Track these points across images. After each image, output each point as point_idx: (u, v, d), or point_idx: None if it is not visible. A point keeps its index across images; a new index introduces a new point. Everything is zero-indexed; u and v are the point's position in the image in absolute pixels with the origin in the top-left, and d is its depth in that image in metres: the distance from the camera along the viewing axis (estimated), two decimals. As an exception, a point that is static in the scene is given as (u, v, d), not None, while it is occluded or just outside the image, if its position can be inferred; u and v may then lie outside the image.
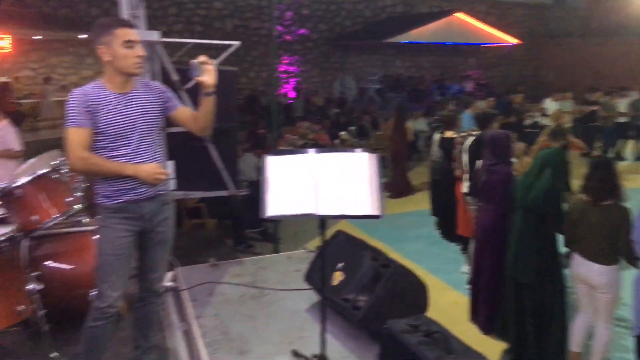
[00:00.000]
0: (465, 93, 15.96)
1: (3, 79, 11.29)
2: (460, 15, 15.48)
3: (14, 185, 2.79)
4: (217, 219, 6.25)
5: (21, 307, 2.59)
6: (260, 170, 7.26)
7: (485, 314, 3.76)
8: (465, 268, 5.27)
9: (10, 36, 11.38)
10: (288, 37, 14.85)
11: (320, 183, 2.36)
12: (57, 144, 4.77)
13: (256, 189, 5.78)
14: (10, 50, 11.78)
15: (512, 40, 16.63)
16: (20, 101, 11.28)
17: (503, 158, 3.80)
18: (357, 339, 2.81)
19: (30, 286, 2.68)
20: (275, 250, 5.26)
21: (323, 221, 2.47)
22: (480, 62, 18.52)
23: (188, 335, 3.01)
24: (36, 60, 13.52)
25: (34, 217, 2.81)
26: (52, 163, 2.99)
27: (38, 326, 2.90)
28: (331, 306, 2.90)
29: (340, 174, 2.38)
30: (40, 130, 10.41)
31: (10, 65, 12.73)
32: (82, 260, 3.07)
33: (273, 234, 5.62)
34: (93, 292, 2.90)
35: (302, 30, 15.48)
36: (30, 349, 2.93)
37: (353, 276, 2.94)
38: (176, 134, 3.54)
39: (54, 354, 2.77)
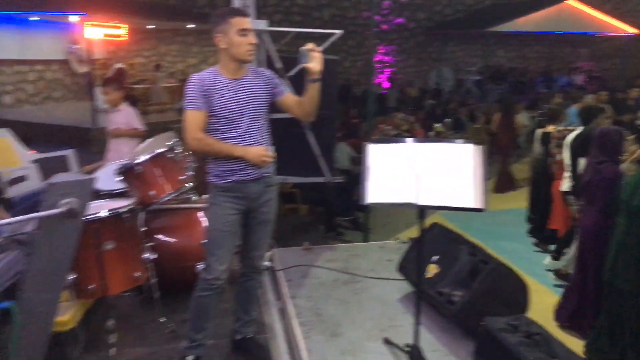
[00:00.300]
0: (575, 86, 14.89)
1: (119, 65, 12.28)
2: (572, 3, 14.44)
3: (135, 162, 3.05)
4: (309, 205, 6.41)
5: (137, 274, 2.83)
6: (353, 159, 7.34)
7: (588, 320, 3.55)
8: (548, 260, 5.04)
9: (127, 25, 12.30)
10: (385, 27, 14.71)
11: (422, 173, 2.34)
12: (165, 127, 5.12)
13: (349, 178, 5.87)
14: (126, 38, 12.73)
15: (630, 30, 15.23)
16: (134, 86, 12.20)
17: (612, 156, 3.54)
18: (450, 333, 2.77)
19: (146, 255, 2.93)
20: (365, 239, 5.30)
21: (422, 211, 2.45)
22: (593, 54, 17.17)
23: (283, 313, 3.14)
24: (148, 49, 14.55)
25: (152, 192, 3.06)
26: (167, 143, 3.22)
27: (150, 293, 3.17)
28: (424, 298, 2.88)
29: (443, 165, 2.34)
30: (150, 114, 11.19)
31: (125, 53, 13.80)
32: (189, 235, 3.29)
33: (363, 223, 5.67)
34: (199, 265, 3.11)
35: (399, 19, 15.25)
36: (142, 313, 3.21)
37: (449, 270, 2.89)
38: (276, 121, 3.68)
39: (162, 319, 3.01)
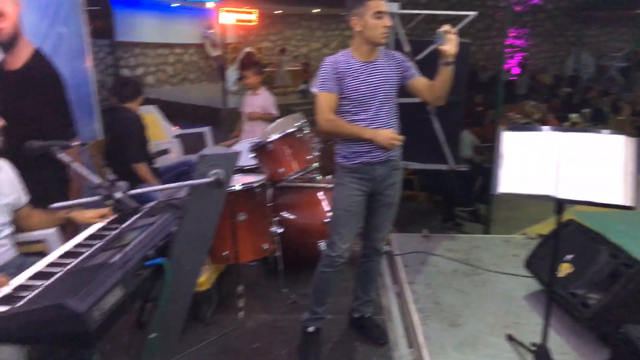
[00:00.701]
0: None
1: (248, 49, 12.95)
2: None
3: (267, 140, 3.22)
4: (427, 192, 6.28)
5: (265, 245, 3.01)
6: (475, 148, 7.00)
7: None
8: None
9: (257, 11, 12.88)
10: (517, 8, 13.78)
11: (562, 164, 2.18)
12: (287, 109, 5.30)
13: (471, 167, 5.64)
14: (255, 23, 13.34)
15: None
16: (263, 69, 12.76)
17: None
18: (581, 337, 2.58)
19: (273, 228, 3.09)
20: (486, 232, 5.08)
21: (560, 205, 2.29)
22: None
23: (400, 297, 3.14)
24: (275, 33, 15.14)
25: (281, 170, 3.22)
26: (296, 124, 3.35)
27: (274, 264, 3.36)
28: (555, 298, 2.70)
29: (587, 156, 2.16)
30: (274, 96, 11.64)
31: (254, 37, 14.49)
32: (313, 213, 3.42)
33: (485, 215, 5.43)
34: (321, 242, 3.22)
35: (535, 0, 14.19)
36: (266, 282, 3.41)
37: (584, 270, 2.68)
38: (401, 105, 3.64)
39: (285, 290, 3.17)
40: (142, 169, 3.50)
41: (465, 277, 3.28)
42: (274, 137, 3.23)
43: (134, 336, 2.66)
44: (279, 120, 3.74)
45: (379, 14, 2.41)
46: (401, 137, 2.50)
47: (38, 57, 3.26)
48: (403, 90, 2.60)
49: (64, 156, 1.96)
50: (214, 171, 1.86)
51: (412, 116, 3.93)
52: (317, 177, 3.61)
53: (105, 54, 9.77)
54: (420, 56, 3.99)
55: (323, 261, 2.62)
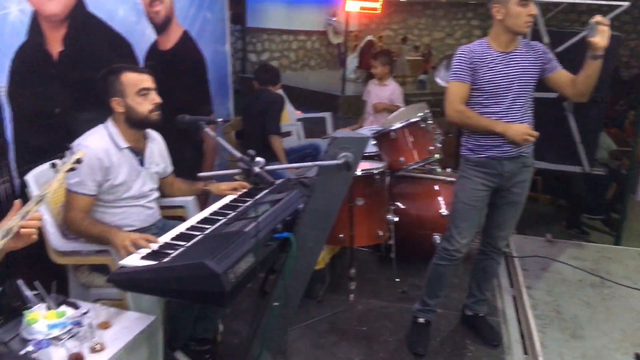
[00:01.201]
0: None
1: (370, 38, 12.95)
2: None
3: (390, 128, 3.23)
4: (551, 195, 5.89)
5: (380, 232, 3.04)
6: (611, 153, 6.39)
7: None
8: None
9: (382, -1, 12.78)
10: (674, -1, 12.23)
11: None
12: (404, 99, 5.20)
13: (607, 171, 5.17)
14: (379, 11, 13.28)
15: None
16: (392, 60, 12.68)
17: None
18: None
19: (389, 216, 3.11)
20: (616, 243, 4.66)
21: None
22: None
23: (517, 301, 3.01)
24: (397, 22, 14.96)
25: (401, 159, 3.22)
26: (420, 114, 3.32)
27: (387, 252, 3.38)
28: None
29: None
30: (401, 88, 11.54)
31: (376, 26, 14.44)
32: (429, 205, 3.37)
33: (617, 225, 4.98)
34: (436, 235, 3.18)
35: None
36: (377, 269, 3.45)
37: None
38: (535, 100, 3.45)
39: (397, 279, 3.18)
40: (277, 141, 3.74)
41: (592, 289, 3.05)
42: (397, 125, 3.23)
43: (256, 303, 2.86)
44: (402, 109, 3.73)
45: (523, 2, 2.30)
46: (535, 133, 2.38)
47: (186, 39, 3.56)
48: (539, 83, 2.46)
49: (209, 130, 2.14)
50: (343, 154, 1.92)
51: (545, 112, 3.70)
52: (437, 169, 3.55)
53: (236, 39, 10.35)
54: (561, 48, 3.73)
55: (439, 254, 2.59)
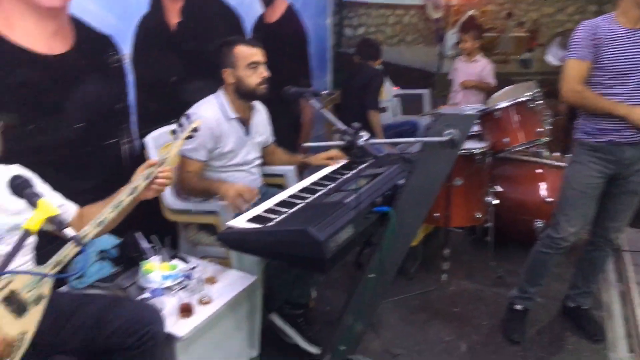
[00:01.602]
0: None
1: (472, 12, 12.35)
2: None
3: (495, 107, 3.09)
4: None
5: (478, 214, 2.95)
6: None
7: None
8: None
9: (487, -29, 12.10)
10: None
11: None
12: (504, 78, 4.92)
13: None
14: (483, -15, 12.58)
15: None
16: (483, 34, 12.10)
17: None
18: None
19: (488, 198, 3.00)
20: None
21: None
22: None
23: (624, 297, 2.81)
24: (503, -4, 14.13)
25: (505, 139, 3.07)
26: (528, 93, 3.13)
27: (482, 235, 3.28)
28: None
29: None
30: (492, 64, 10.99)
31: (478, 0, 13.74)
32: (532, 190, 3.21)
33: None
34: (538, 222, 3.04)
35: None
36: (472, 252, 3.37)
37: None
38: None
39: (492, 263, 3.09)
40: (375, 116, 3.75)
41: None
42: (503, 104, 3.08)
43: (351, 274, 2.92)
44: (508, 87, 3.54)
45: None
46: (664, 118, 2.16)
47: (290, 12, 3.63)
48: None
49: (314, 102, 2.17)
50: (449, 131, 1.87)
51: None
52: (544, 153, 3.35)
53: (333, 13, 10.33)
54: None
55: (543, 241, 2.47)
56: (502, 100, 3.14)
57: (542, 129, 3.07)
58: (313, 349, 2.36)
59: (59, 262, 1.48)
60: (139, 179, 1.69)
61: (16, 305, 1.42)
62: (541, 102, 3.15)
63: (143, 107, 2.54)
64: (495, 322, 2.63)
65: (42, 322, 1.47)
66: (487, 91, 4.40)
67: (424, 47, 14.54)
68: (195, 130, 1.98)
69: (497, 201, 3.07)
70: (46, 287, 1.49)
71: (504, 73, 9.40)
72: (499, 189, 3.21)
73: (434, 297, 2.85)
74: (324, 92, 2.37)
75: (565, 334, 2.55)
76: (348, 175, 2.37)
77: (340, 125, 1.92)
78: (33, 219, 1.21)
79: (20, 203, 1.45)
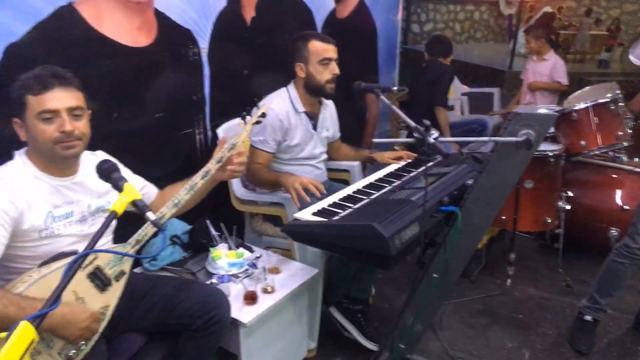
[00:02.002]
0: None
1: (547, 9, 11.80)
2: None
3: (572, 108, 2.95)
4: None
5: (548, 220, 2.83)
6: None
7: None
8: None
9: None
10: None
11: None
12: (580, 78, 4.66)
13: None
14: (562, -20, 12.01)
15: None
16: (559, 32, 11.55)
17: None
18: None
19: (560, 203, 2.88)
20: None
21: None
22: None
23: None
24: (581, -9, 13.40)
25: (582, 142, 2.94)
26: (609, 94, 2.97)
27: (551, 241, 3.16)
28: None
29: None
30: (567, 63, 10.51)
31: (556, -4, 13.10)
32: (608, 196, 3.05)
33: None
34: (612, 230, 2.88)
35: None
36: (538, 258, 3.25)
37: None
38: None
39: (560, 270, 2.96)
40: (443, 113, 3.68)
41: None
42: (581, 105, 2.94)
43: (414, 273, 2.89)
44: (587, 88, 3.38)
45: None
46: None
47: (361, 8, 3.62)
48: None
49: (384, 98, 2.17)
50: (525, 131, 1.81)
51: None
52: (623, 158, 3.17)
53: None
54: None
55: (619, 251, 2.34)
56: (580, 101, 3.00)
57: (622, 133, 2.91)
58: (371, 345, 2.36)
59: (138, 241, 1.58)
60: (211, 162, 1.77)
61: (100, 280, 1.52)
62: (622, 104, 2.99)
63: (215, 99, 2.62)
64: (561, 331, 2.53)
65: (119, 299, 1.57)
66: (560, 91, 4.23)
67: (494, 44, 14.12)
68: (263, 115, 2.03)
69: (569, 206, 2.94)
70: (127, 265, 1.59)
71: (579, 73, 8.99)
72: (577, 193, 3.08)
73: (497, 302, 2.78)
74: (394, 88, 2.34)
75: (638, 349, 2.41)
76: (414, 173, 2.35)
77: (410, 122, 1.90)
78: (119, 201, 1.28)
79: (104, 186, 1.56)
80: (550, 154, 2.80)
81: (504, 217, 2.83)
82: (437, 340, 2.44)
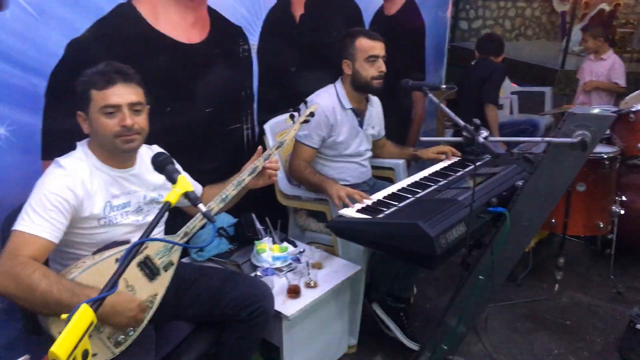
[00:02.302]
0: None
1: (603, 6, 11.31)
2: None
3: (630, 109, 2.83)
4: None
5: (600, 224, 2.73)
6: None
7: None
8: None
9: (626, -40, 11.02)
10: None
11: None
12: (636, 79, 4.40)
13: None
14: (620, -23, 11.47)
15: None
16: (608, 32, 11.06)
17: None
18: None
19: (614, 207, 2.77)
20: None
21: None
22: None
23: None
24: (642, -13, 12.78)
25: (639, 145, 2.81)
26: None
27: (602, 247, 3.05)
28: None
29: None
30: (624, 62, 10.06)
31: (613, -9, 12.54)
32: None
33: None
34: None
35: None
36: (588, 263, 3.14)
37: None
38: None
39: (612, 277, 2.85)
40: (493, 111, 3.60)
41: None
42: (638, 106, 2.82)
43: (453, 274, 2.86)
44: (641, 90, 3.23)
45: None
46: None
47: (410, 5, 3.58)
48: None
49: (432, 97, 2.14)
50: (580, 132, 1.76)
51: None
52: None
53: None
54: None
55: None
56: (638, 102, 2.87)
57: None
58: (412, 345, 2.35)
59: (187, 233, 1.63)
60: (259, 159, 1.80)
61: (149, 269, 1.58)
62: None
63: (263, 95, 2.66)
64: (610, 340, 2.44)
65: (168, 288, 1.62)
66: (617, 92, 4.04)
67: (545, 42, 13.69)
68: (311, 114, 2.05)
69: (623, 211, 2.82)
70: (175, 256, 1.64)
71: (636, 72, 8.59)
72: (632, 197, 2.95)
73: (543, 307, 2.70)
74: (443, 86, 2.31)
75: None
76: (461, 173, 2.32)
77: (459, 121, 1.88)
78: (172, 192, 1.33)
79: (158, 179, 1.61)
80: (605, 156, 2.69)
81: (553, 221, 2.75)
82: (480, 343, 2.40)
